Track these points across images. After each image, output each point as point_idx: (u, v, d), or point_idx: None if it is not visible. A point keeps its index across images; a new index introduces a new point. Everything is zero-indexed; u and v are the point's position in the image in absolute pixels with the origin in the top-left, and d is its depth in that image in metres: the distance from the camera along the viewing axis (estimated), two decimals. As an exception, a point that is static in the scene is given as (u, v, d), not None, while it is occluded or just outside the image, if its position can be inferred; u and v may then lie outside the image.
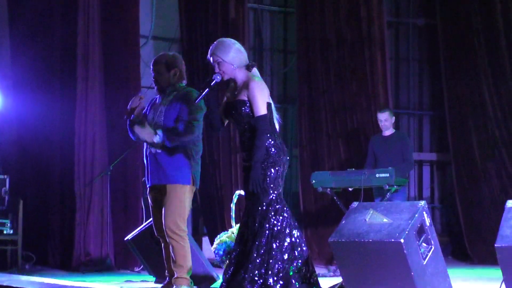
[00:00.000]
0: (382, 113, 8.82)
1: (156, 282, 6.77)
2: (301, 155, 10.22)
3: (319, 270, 6.60)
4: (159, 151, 5.48)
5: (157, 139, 5.36)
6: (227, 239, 7.63)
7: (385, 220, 5.13)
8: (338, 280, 5.69)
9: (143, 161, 5.71)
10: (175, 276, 5.49)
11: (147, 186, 5.66)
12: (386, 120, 8.77)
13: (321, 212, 9.88)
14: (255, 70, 5.25)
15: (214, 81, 5.18)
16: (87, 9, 8.81)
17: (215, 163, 9.73)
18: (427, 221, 5.13)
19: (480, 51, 10.19)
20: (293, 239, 5.13)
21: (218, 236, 7.88)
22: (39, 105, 8.93)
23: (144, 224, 6.92)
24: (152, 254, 6.56)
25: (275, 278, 5.01)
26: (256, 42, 11.23)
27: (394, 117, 8.92)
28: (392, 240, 4.93)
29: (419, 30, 11.87)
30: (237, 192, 8.00)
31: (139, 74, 9.25)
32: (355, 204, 5.47)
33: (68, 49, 8.89)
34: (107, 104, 8.99)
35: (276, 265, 5.04)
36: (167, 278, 5.67)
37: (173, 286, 5.51)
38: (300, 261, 5.11)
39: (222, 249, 7.61)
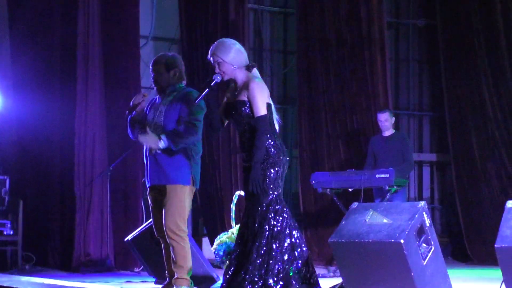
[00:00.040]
0: (382, 113, 8.83)
1: (156, 282, 6.77)
2: (301, 155, 10.22)
3: (319, 270, 6.60)
4: (159, 151, 5.48)
5: (162, 144, 5.36)
6: (227, 240, 7.63)
7: (385, 220, 5.13)
8: (338, 280, 5.69)
9: (143, 161, 5.71)
10: (175, 276, 5.49)
11: (147, 186, 5.66)
12: (386, 121, 8.77)
13: (321, 213, 9.87)
14: (255, 71, 5.25)
15: (214, 81, 5.18)
16: (87, 9, 8.80)
17: (215, 164, 9.73)
18: (427, 221, 5.13)
19: (480, 51, 10.18)
20: (293, 240, 5.13)
21: (218, 236, 7.88)
22: (39, 105, 8.93)
23: (144, 224, 6.92)
24: (152, 255, 6.57)
25: (275, 279, 5.01)
26: (256, 42, 11.23)
27: (394, 118, 8.92)
28: (392, 240, 4.93)
29: (419, 30, 11.88)
30: (237, 192, 8.00)
31: (139, 74, 9.25)
32: (355, 204, 5.48)
33: (68, 50, 8.89)
34: (107, 105, 8.98)
35: (276, 266, 5.04)
36: (167, 278, 5.67)
37: (173, 286, 5.50)
38: (300, 261, 5.11)
39: (222, 250, 7.61)
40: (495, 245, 4.77)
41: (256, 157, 5.02)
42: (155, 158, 5.50)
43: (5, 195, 8.52)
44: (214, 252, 7.75)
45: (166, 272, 5.69)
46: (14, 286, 6.40)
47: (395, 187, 8.02)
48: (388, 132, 8.79)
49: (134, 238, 6.84)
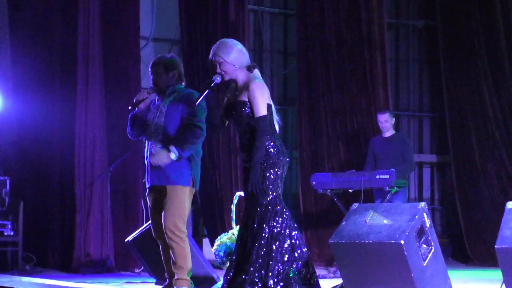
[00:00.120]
0: (382, 114, 8.83)
1: (156, 283, 6.77)
2: (301, 156, 10.23)
3: (319, 271, 6.60)
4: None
5: (173, 156, 5.38)
6: (228, 241, 7.65)
7: (385, 221, 5.13)
8: (339, 281, 5.70)
9: (143, 162, 5.72)
10: (176, 277, 5.49)
11: (147, 187, 5.67)
12: (386, 122, 8.77)
13: (321, 214, 9.88)
14: (256, 71, 5.25)
15: (214, 82, 5.18)
16: (87, 10, 8.81)
17: (215, 164, 9.73)
18: (427, 222, 5.13)
19: (480, 52, 10.19)
20: (293, 241, 5.13)
21: (219, 237, 7.90)
22: (39, 106, 8.93)
23: (144, 225, 6.92)
24: (152, 256, 6.56)
25: (275, 280, 5.01)
26: (256, 43, 11.23)
27: (394, 119, 8.92)
28: (392, 241, 4.93)
29: (419, 31, 11.88)
30: (238, 193, 8.01)
31: (139, 75, 9.26)
32: (355, 205, 5.48)
33: (69, 51, 8.90)
34: (108, 105, 8.99)
35: (276, 267, 5.04)
36: (167, 279, 5.67)
37: (173, 287, 5.51)
38: (300, 262, 5.11)
39: (222, 251, 7.63)
40: (495, 246, 4.77)
41: (255, 157, 5.02)
42: (152, 154, 5.50)
43: (6, 196, 8.53)
44: (214, 253, 7.77)
45: (166, 273, 5.70)
46: (15, 287, 6.41)
47: (395, 188, 8.02)
48: (388, 133, 8.80)
49: (134, 238, 6.84)
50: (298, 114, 10.38)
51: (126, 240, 6.99)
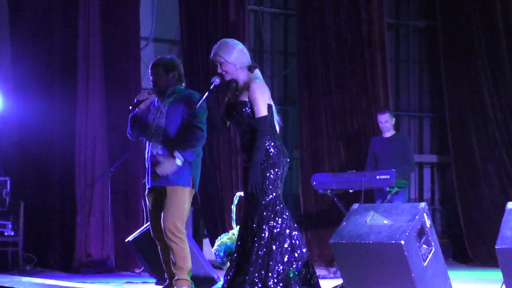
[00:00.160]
0: (382, 114, 8.83)
1: (157, 283, 6.77)
2: (302, 156, 10.23)
3: (319, 271, 6.60)
4: (160, 152, 5.50)
5: (179, 162, 5.39)
6: (228, 241, 7.65)
7: (385, 221, 5.13)
8: (339, 281, 5.70)
9: (144, 162, 5.72)
10: (176, 278, 5.50)
11: (147, 187, 5.67)
12: (386, 122, 8.77)
13: (322, 214, 9.88)
14: (257, 72, 5.26)
15: (213, 84, 5.18)
16: (87, 10, 8.81)
17: (216, 165, 9.73)
18: (428, 222, 5.14)
19: (480, 52, 10.19)
20: (293, 241, 5.13)
21: (219, 237, 7.90)
22: (40, 106, 8.93)
23: (145, 225, 6.93)
24: (153, 256, 6.56)
25: (275, 280, 5.01)
26: (256, 44, 11.24)
27: (394, 119, 8.92)
28: (393, 241, 4.94)
29: (419, 31, 11.88)
30: (238, 193, 8.01)
31: (139, 76, 9.26)
32: (355, 205, 5.48)
33: (69, 51, 8.90)
34: (108, 105, 8.99)
35: (276, 267, 5.04)
36: (167, 280, 5.68)
37: (173, 287, 5.51)
38: (300, 263, 5.11)
39: (222, 251, 7.63)
40: (496, 246, 4.78)
41: (255, 157, 5.02)
42: (157, 162, 5.50)
43: (6, 196, 8.53)
44: (214, 253, 7.77)
45: (166, 274, 5.70)
46: (15, 287, 6.41)
47: (395, 188, 8.03)
48: (388, 133, 8.80)
49: (135, 239, 6.85)
50: (298, 114, 10.38)
51: (126, 240, 6.99)
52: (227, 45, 5.22)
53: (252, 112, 5.12)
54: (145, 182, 5.76)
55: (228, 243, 7.60)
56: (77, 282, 6.98)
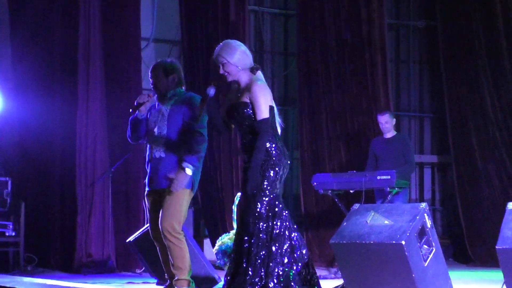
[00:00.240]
0: (382, 115, 8.82)
1: (157, 284, 6.77)
2: (302, 157, 10.23)
3: (320, 272, 6.61)
4: (163, 155, 5.50)
5: (189, 172, 5.39)
6: (229, 241, 7.65)
7: (386, 222, 5.14)
8: (340, 282, 5.71)
9: (144, 162, 5.73)
10: (176, 278, 5.49)
11: (147, 189, 5.67)
12: (386, 122, 8.76)
13: (322, 214, 9.88)
14: (259, 73, 5.26)
15: (209, 95, 5.20)
16: (88, 10, 8.81)
17: (216, 165, 9.73)
18: (428, 223, 5.14)
19: (480, 52, 10.19)
20: (292, 242, 5.12)
21: (220, 238, 7.91)
22: (40, 106, 8.94)
23: (146, 226, 6.93)
24: (154, 256, 6.55)
25: (275, 281, 5.01)
26: (256, 44, 11.24)
27: (394, 119, 8.91)
28: (393, 242, 4.94)
29: (419, 31, 11.89)
30: (239, 193, 8.01)
31: (140, 76, 9.26)
32: (356, 206, 5.49)
33: (69, 51, 8.90)
34: (108, 106, 9.00)
35: (276, 269, 5.03)
36: (168, 280, 5.68)
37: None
38: (300, 264, 5.11)
39: (223, 251, 7.63)
40: (496, 247, 4.78)
41: (255, 157, 5.01)
42: (159, 163, 5.51)
43: (7, 196, 8.54)
44: (215, 253, 7.77)
45: (166, 274, 5.70)
46: (16, 287, 6.41)
47: (396, 188, 8.02)
48: (389, 134, 8.79)
49: (135, 239, 6.85)
50: (298, 114, 10.38)
51: (127, 240, 7.00)
52: (230, 46, 5.22)
53: (253, 113, 5.12)
54: (145, 182, 5.76)
55: (229, 244, 7.60)
56: (78, 282, 6.98)
